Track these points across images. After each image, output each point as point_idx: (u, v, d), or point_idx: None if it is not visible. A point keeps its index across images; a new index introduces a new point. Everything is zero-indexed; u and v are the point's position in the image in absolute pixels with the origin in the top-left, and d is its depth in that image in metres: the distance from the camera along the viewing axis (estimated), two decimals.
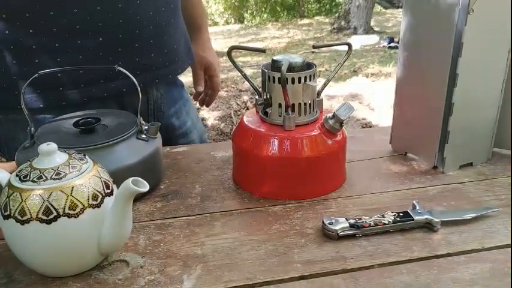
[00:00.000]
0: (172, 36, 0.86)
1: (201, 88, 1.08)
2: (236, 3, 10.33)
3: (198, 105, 1.21)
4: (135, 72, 0.66)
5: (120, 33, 0.77)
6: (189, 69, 1.02)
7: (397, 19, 7.83)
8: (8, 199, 0.46)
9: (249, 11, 10.52)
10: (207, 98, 1.13)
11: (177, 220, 0.60)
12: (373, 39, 6.19)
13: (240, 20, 10.19)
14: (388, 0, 9.94)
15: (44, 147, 0.48)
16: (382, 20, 8.06)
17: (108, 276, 0.50)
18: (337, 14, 7.46)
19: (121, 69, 0.63)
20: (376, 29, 6.96)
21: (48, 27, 0.72)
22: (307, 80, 0.63)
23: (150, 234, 0.57)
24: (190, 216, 0.61)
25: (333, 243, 0.54)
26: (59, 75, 0.75)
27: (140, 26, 0.78)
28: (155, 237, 0.57)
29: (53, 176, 0.46)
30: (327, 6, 10.35)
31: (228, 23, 9.95)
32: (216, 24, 9.59)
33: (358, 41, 5.93)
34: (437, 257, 0.51)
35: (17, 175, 0.47)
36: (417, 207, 0.58)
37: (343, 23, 6.96)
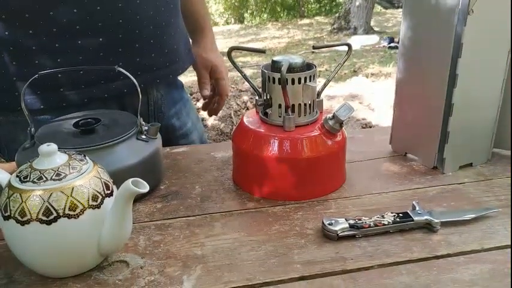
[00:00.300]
0: (172, 36, 0.86)
1: (206, 92, 1.02)
2: (236, 3, 10.34)
3: (198, 105, 1.19)
4: (135, 72, 0.66)
5: (120, 33, 0.77)
6: (190, 69, 1.01)
7: (397, 19, 7.83)
8: (8, 200, 0.46)
9: (249, 11, 10.52)
10: (215, 106, 1.07)
11: (177, 221, 0.60)
12: (373, 39, 6.20)
13: (240, 20, 10.20)
14: (388, 0, 9.95)
15: (44, 148, 0.48)
16: (382, 20, 8.06)
17: (108, 276, 0.50)
18: (337, 14, 7.47)
19: (121, 69, 0.63)
20: (376, 29, 6.97)
21: (47, 28, 0.72)
22: (307, 80, 0.63)
23: (150, 234, 0.57)
24: (190, 216, 0.61)
25: (332, 244, 0.54)
26: (59, 76, 0.75)
27: (140, 26, 0.78)
28: (155, 237, 0.57)
29: (53, 177, 0.46)
30: (327, 7, 10.35)
31: (228, 23, 9.96)
32: (216, 24, 9.59)
33: (358, 41, 5.93)
34: (437, 257, 0.52)
35: (17, 176, 0.47)
36: (417, 208, 0.58)
37: (343, 23, 6.96)
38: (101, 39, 0.75)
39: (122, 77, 0.62)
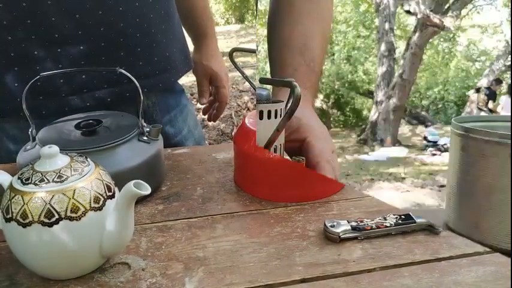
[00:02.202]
0: (163, 44, 0.83)
1: (204, 100, 1.02)
2: (237, 4, 10.34)
3: (198, 105, 1.18)
4: (121, 81, 0.63)
5: (102, 42, 0.74)
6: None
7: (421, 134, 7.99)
8: (10, 202, 0.46)
9: (249, 11, 10.52)
10: (214, 112, 1.07)
11: (178, 222, 0.60)
12: (401, 151, 6.46)
13: (241, 20, 10.20)
14: (413, 117, 10.28)
15: (45, 150, 0.47)
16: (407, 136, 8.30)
17: (110, 278, 0.50)
18: (363, 126, 7.78)
19: (122, 71, 0.63)
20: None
21: (26, 35, 0.70)
22: None
23: (151, 236, 0.57)
24: (191, 218, 0.61)
25: (334, 246, 0.54)
26: (38, 84, 0.70)
27: (125, 34, 0.76)
28: (157, 239, 0.57)
29: (55, 179, 0.46)
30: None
31: (228, 23, 9.96)
32: (217, 24, 9.59)
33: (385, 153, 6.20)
34: (439, 260, 0.51)
35: (18, 178, 0.47)
36: None
37: (369, 134, 7.28)
38: (81, 48, 0.73)
39: (106, 85, 0.61)
